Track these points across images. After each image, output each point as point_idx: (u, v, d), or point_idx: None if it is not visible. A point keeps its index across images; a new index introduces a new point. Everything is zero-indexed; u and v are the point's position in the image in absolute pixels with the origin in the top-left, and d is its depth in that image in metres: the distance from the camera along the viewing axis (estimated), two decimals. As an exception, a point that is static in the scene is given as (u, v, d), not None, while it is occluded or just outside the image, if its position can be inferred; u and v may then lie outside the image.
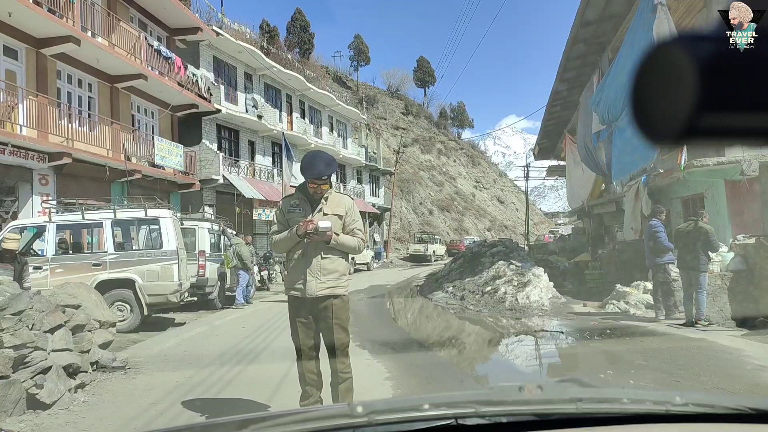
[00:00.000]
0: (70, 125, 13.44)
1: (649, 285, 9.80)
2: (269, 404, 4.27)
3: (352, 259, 22.21)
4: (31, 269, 7.75)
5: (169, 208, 9.96)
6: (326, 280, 3.50)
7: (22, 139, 11.72)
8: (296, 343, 3.61)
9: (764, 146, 0.55)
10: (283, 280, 11.12)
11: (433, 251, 32.48)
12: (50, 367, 4.37)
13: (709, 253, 7.82)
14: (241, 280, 11.88)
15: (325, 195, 3.60)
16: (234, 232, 13.84)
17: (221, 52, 21.74)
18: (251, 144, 23.69)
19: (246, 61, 23.20)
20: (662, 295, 8.47)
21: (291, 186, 12.22)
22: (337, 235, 3.51)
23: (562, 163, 24.04)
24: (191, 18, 19.39)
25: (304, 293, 3.49)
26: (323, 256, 3.51)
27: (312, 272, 3.49)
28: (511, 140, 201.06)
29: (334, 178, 3.93)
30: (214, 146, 20.54)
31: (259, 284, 14.57)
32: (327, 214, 3.55)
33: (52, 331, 4.75)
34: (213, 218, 14.35)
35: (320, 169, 3.50)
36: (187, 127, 19.59)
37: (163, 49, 16.99)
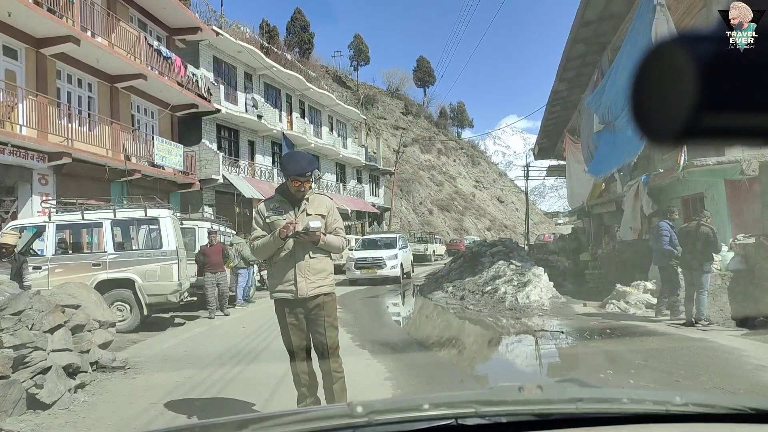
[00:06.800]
0: (69, 125, 13.43)
1: (650, 285, 9.79)
2: (269, 404, 4.27)
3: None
4: (30, 268, 7.76)
5: (168, 208, 9.95)
6: (316, 280, 3.51)
7: (21, 138, 11.72)
8: (288, 346, 3.60)
9: (764, 146, 0.55)
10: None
11: (433, 251, 32.16)
12: (50, 367, 4.37)
13: (712, 253, 7.81)
14: (240, 280, 11.88)
15: (307, 195, 3.60)
16: (233, 232, 13.86)
17: (221, 51, 21.74)
18: (251, 144, 23.70)
19: (246, 60, 23.19)
20: (668, 295, 8.47)
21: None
22: (324, 235, 3.53)
23: (562, 162, 24.03)
24: (191, 18, 19.39)
25: (295, 294, 3.48)
26: (311, 255, 3.51)
27: (302, 273, 3.48)
28: (511, 140, 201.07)
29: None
30: (214, 146, 20.54)
31: (259, 284, 14.55)
32: (310, 214, 3.54)
33: (51, 331, 4.75)
34: (213, 218, 14.36)
35: (304, 166, 3.52)
36: (186, 126, 19.59)
37: (163, 49, 16.99)
